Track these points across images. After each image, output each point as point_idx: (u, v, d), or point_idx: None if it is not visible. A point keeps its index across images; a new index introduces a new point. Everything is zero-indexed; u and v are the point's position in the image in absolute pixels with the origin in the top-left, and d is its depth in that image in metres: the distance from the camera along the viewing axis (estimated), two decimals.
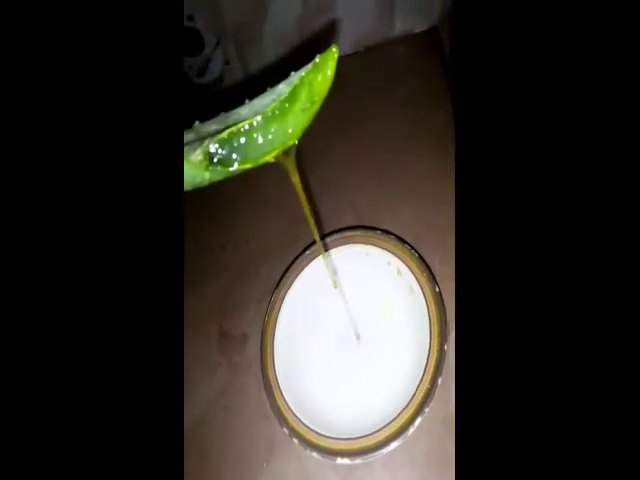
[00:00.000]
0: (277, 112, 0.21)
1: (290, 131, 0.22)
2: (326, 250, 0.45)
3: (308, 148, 0.59)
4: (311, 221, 0.34)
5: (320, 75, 0.21)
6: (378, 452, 0.34)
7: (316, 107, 0.22)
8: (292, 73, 0.24)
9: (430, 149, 0.53)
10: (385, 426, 0.35)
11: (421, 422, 0.35)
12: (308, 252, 0.46)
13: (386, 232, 0.44)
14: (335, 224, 0.50)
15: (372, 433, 0.35)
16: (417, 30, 0.64)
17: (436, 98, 0.57)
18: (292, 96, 0.21)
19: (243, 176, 0.29)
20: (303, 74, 0.21)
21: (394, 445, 0.34)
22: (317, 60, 0.22)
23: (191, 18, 0.64)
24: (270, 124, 0.21)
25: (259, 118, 0.21)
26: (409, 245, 0.42)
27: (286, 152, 0.24)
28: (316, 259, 0.45)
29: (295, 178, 0.29)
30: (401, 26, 0.64)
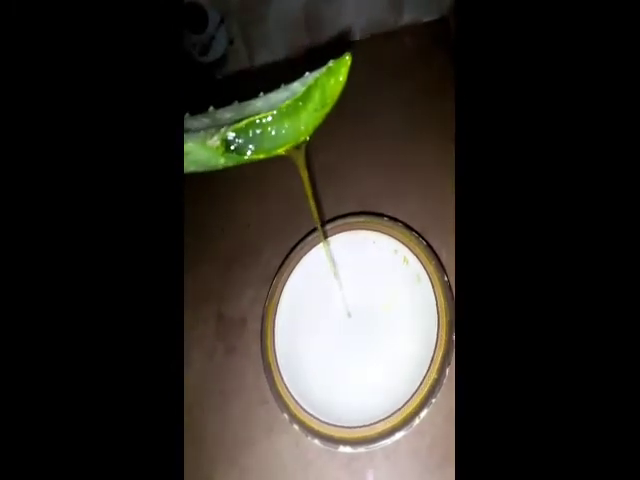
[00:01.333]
0: (291, 109, 0.22)
1: (302, 128, 0.23)
2: (329, 236, 0.44)
3: (314, 135, 0.58)
4: (315, 214, 0.34)
5: (333, 79, 0.23)
6: (381, 442, 0.33)
7: (327, 108, 0.24)
8: (307, 74, 0.25)
9: (437, 139, 0.53)
10: (390, 416, 0.34)
11: (426, 414, 0.34)
12: (310, 237, 0.45)
13: (393, 219, 0.43)
14: (339, 212, 0.49)
15: (376, 422, 0.34)
16: (426, 20, 0.63)
17: (444, 88, 0.57)
18: (306, 96, 0.22)
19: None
20: (317, 76, 0.23)
21: (398, 436, 0.33)
22: (331, 65, 0.23)
23: None
24: (284, 119, 0.22)
25: (275, 112, 0.22)
26: (417, 233, 0.41)
27: (297, 147, 0.26)
28: (318, 245, 0.44)
29: (304, 173, 0.30)
30: (410, 15, 0.63)
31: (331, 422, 0.35)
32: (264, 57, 0.68)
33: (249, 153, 0.23)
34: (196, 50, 0.67)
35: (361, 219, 0.44)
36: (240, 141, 0.22)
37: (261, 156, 0.23)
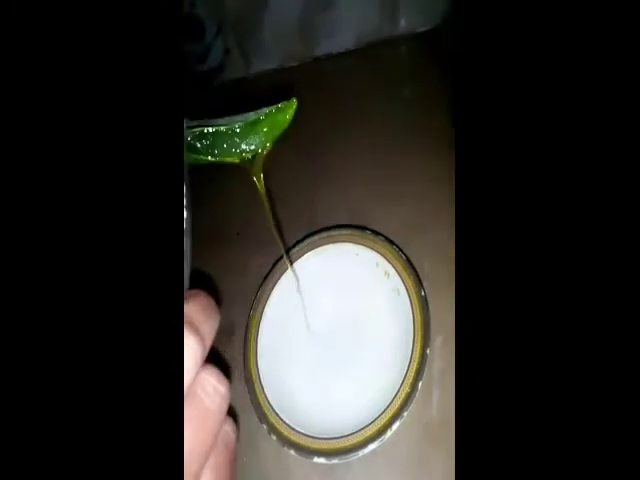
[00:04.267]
0: (239, 130, 0.27)
1: (248, 147, 0.28)
2: (315, 247, 0.45)
3: (305, 142, 0.59)
4: (271, 222, 0.38)
5: (281, 116, 0.28)
6: (355, 453, 0.34)
7: (273, 136, 0.29)
8: (263, 108, 0.30)
9: (427, 150, 0.53)
10: (363, 428, 0.35)
11: (402, 426, 0.35)
12: (297, 248, 0.46)
13: (375, 233, 0.44)
14: (328, 221, 0.50)
15: (350, 434, 0.35)
16: (420, 30, 0.63)
17: (436, 99, 0.57)
18: (255, 122, 0.28)
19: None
20: (267, 112, 0.28)
21: (371, 447, 0.34)
22: (280, 105, 0.28)
23: (192, 4, 0.63)
24: (233, 136, 0.27)
25: (223, 129, 0.27)
26: (397, 247, 0.42)
27: (253, 161, 0.30)
28: (302, 257, 0.45)
29: (260, 185, 0.33)
30: (404, 25, 0.63)
31: (306, 433, 0.36)
32: (260, 66, 0.69)
33: (203, 155, 0.28)
34: (193, 59, 0.69)
35: (345, 232, 0.45)
36: (196, 144, 0.28)
37: (213, 160, 0.29)
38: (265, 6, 0.63)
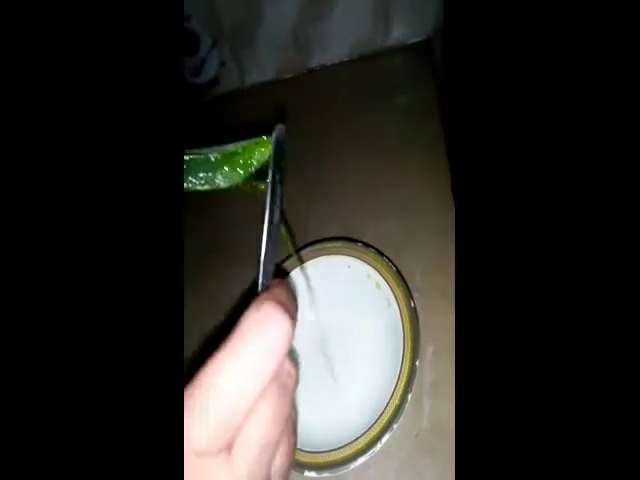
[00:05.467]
0: (216, 160, 0.27)
1: (223, 179, 0.28)
2: (310, 259, 0.45)
3: (298, 154, 0.60)
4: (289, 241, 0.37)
5: (257, 149, 0.27)
6: (346, 466, 0.34)
7: (249, 172, 0.28)
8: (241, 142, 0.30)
9: (418, 160, 0.54)
10: (353, 441, 0.35)
11: (393, 437, 0.35)
12: (290, 261, 0.46)
13: (366, 245, 0.44)
14: (321, 232, 0.50)
15: (340, 447, 0.35)
16: (412, 41, 0.64)
17: (427, 109, 0.58)
18: (232, 154, 0.27)
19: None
20: (245, 145, 0.28)
21: (362, 460, 0.34)
22: (257, 140, 0.28)
23: (188, 18, 0.64)
24: (208, 166, 0.27)
25: (201, 156, 0.27)
26: (387, 259, 0.42)
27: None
28: (296, 269, 0.45)
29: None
30: (396, 36, 0.64)
31: (298, 447, 0.36)
32: (254, 78, 0.70)
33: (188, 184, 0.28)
34: (189, 72, 0.69)
35: (337, 244, 0.45)
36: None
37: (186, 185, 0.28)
38: (260, 19, 0.63)
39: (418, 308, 0.41)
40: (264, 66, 0.69)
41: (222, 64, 0.69)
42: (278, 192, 0.24)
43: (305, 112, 0.65)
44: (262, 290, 0.23)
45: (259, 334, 0.20)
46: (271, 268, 0.24)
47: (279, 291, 0.22)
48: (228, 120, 0.70)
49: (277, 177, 0.24)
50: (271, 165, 0.24)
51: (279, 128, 0.26)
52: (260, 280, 0.23)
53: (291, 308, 0.21)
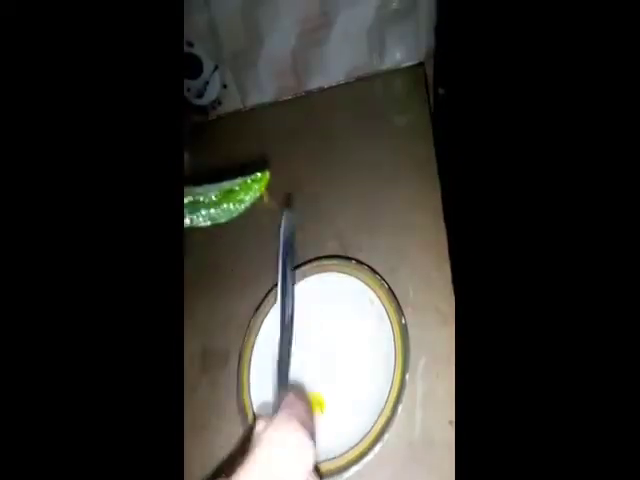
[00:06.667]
0: (216, 198, 0.30)
1: (222, 214, 0.32)
2: (307, 276, 0.47)
3: (295, 174, 0.62)
4: None
5: (252, 186, 0.32)
6: (338, 476, 0.36)
7: (247, 205, 0.33)
8: (238, 179, 0.33)
9: (411, 180, 0.56)
10: (346, 451, 0.37)
11: (385, 447, 0.36)
12: None
13: (360, 262, 0.46)
14: (317, 250, 0.52)
15: (332, 458, 0.37)
16: (406, 64, 0.66)
17: (420, 131, 0.60)
18: (230, 192, 0.31)
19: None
20: (241, 182, 0.31)
21: (354, 469, 0.36)
22: (252, 177, 0.32)
23: (191, 44, 0.67)
24: (209, 205, 0.30)
25: (201, 198, 0.30)
26: (379, 276, 0.44)
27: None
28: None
29: None
30: (391, 60, 0.67)
31: None
32: (255, 99, 0.73)
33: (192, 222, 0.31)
34: (192, 94, 0.72)
35: (332, 262, 0.47)
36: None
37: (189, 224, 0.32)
38: (260, 44, 0.66)
39: (411, 322, 0.42)
40: (264, 88, 0.72)
41: (224, 86, 0.72)
42: (290, 292, 0.27)
43: (303, 132, 0.68)
44: (277, 390, 0.28)
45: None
46: (286, 370, 0.30)
47: (300, 409, 0.30)
48: (230, 138, 0.73)
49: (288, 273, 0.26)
50: (280, 265, 0.27)
51: (287, 216, 0.29)
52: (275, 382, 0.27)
53: (311, 425, 0.29)
